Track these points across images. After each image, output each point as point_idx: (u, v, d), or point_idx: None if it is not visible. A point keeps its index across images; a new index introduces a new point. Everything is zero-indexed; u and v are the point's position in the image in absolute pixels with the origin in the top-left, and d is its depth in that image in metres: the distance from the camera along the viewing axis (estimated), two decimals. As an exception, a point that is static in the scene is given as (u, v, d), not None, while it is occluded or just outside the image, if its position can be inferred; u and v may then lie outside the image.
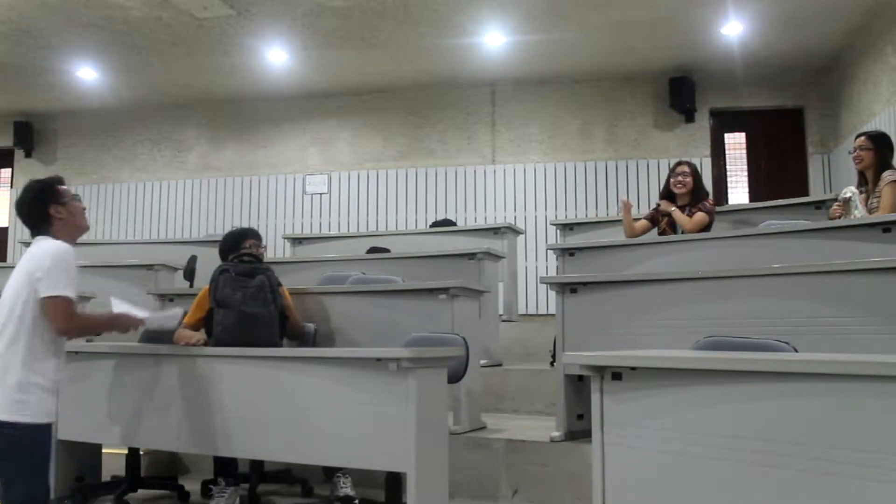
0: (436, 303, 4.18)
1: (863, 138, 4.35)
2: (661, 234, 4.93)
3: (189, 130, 9.89)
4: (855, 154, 4.35)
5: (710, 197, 4.98)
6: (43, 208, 2.75)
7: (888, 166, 4.24)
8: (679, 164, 4.96)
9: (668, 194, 4.96)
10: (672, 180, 4.90)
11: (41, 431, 2.58)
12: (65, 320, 2.62)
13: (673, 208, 4.83)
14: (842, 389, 1.70)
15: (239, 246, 4.04)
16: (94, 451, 4.06)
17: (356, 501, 3.82)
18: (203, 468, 4.33)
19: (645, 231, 5.04)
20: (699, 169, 5.05)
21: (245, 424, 3.38)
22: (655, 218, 5.02)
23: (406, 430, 2.98)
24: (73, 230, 2.80)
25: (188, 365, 3.60)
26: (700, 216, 4.73)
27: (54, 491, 3.77)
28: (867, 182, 4.31)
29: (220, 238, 4.42)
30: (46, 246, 2.68)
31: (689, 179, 4.82)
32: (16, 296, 2.62)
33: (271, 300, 3.85)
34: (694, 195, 4.83)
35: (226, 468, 3.82)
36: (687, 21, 7.00)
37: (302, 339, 4.21)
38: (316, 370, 3.26)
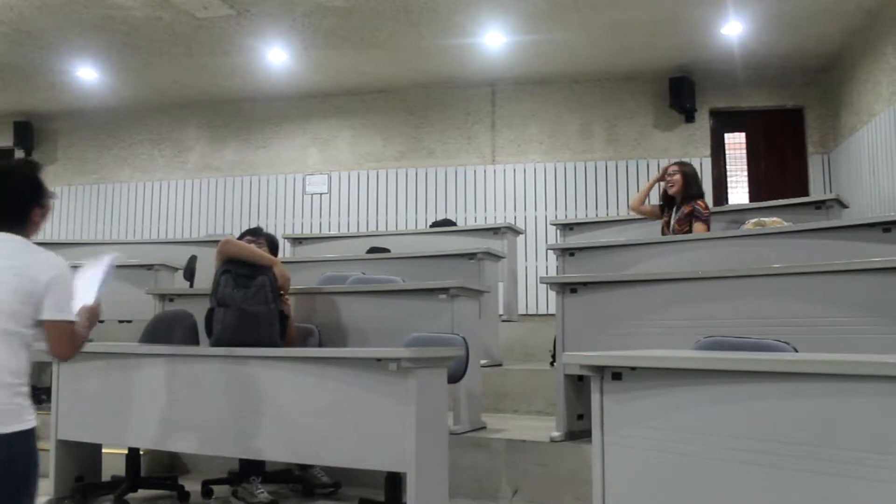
0: (436, 303, 4.18)
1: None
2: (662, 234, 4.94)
3: (189, 130, 9.88)
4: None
5: (704, 198, 4.97)
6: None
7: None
8: (669, 166, 5.10)
9: (666, 198, 5.04)
10: (664, 184, 5.03)
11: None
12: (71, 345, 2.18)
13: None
14: (842, 389, 1.70)
15: None
16: (94, 451, 4.05)
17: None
18: (203, 468, 4.34)
19: (650, 214, 5.30)
20: (699, 169, 5.08)
21: (245, 424, 3.39)
22: (661, 213, 5.11)
23: (406, 430, 2.98)
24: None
25: (188, 365, 3.60)
26: (699, 228, 4.73)
27: (54, 491, 3.79)
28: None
29: (220, 238, 4.43)
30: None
31: (677, 177, 4.92)
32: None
33: (272, 299, 3.86)
34: (685, 192, 4.89)
35: (255, 466, 3.86)
36: (687, 21, 7.00)
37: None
38: (316, 370, 3.27)
